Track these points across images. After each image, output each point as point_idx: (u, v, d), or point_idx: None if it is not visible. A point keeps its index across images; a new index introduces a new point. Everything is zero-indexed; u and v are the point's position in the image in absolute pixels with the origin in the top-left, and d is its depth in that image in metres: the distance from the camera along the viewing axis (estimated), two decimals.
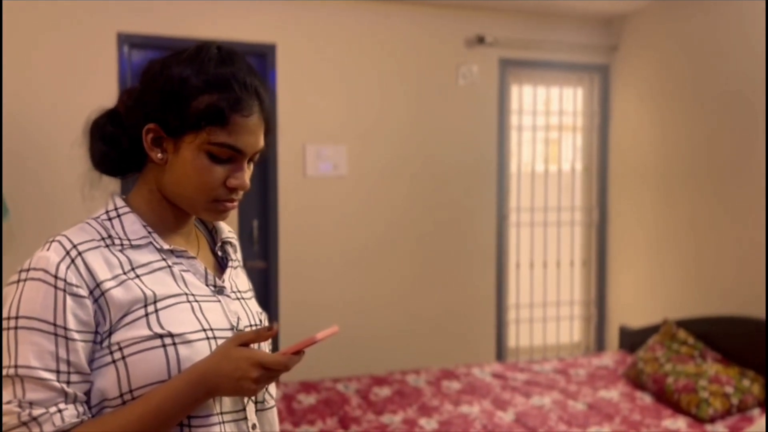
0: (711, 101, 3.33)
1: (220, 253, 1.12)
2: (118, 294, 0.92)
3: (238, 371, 0.90)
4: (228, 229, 1.16)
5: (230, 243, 1.14)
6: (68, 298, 0.89)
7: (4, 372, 0.88)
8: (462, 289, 3.86)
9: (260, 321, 1.09)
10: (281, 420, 2.69)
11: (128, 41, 3.19)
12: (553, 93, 4.15)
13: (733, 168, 3.19)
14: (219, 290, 1.03)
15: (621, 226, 4.02)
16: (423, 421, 2.69)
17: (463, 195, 3.84)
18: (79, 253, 0.92)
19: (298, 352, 0.94)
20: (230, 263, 1.11)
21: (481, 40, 3.76)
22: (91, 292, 0.91)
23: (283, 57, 3.45)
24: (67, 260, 0.91)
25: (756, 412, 2.72)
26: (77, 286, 0.90)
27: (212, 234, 1.15)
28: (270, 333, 0.95)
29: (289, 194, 3.50)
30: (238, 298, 1.06)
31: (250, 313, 1.07)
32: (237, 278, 1.10)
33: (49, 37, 3.08)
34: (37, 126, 3.04)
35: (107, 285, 0.92)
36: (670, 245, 3.60)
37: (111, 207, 1.01)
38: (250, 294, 1.13)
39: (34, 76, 3.05)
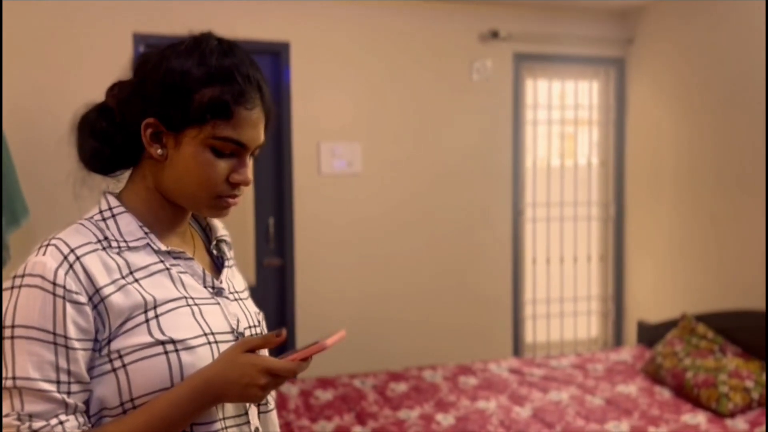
0: (728, 94, 3.28)
1: (215, 252, 1.09)
2: (117, 300, 0.88)
3: (245, 377, 0.88)
4: (222, 227, 1.13)
5: (225, 241, 1.11)
6: (68, 306, 0.86)
7: (2, 383, 0.84)
8: (478, 284, 3.85)
9: (258, 321, 1.06)
10: (299, 416, 2.71)
11: (144, 42, 3.22)
12: (568, 87, 4.12)
13: (751, 161, 3.15)
14: (217, 292, 1.00)
15: (638, 220, 3.99)
16: (440, 417, 2.70)
17: (478, 190, 3.83)
18: (77, 258, 0.88)
19: (306, 359, 0.92)
20: (226, 263, 1.07)
21: (495, 34, 3.74)
22: (90, 299, 0.87)
23: (296, 55, 3.46)
24: (66, 266, 0.87)
25: None
26: (77, 293, 0.86)
27: (206, 232, 1.11)
28: (278, 339, 0.92)
29: (304, 192, 3.52)
30: (236, 299, 1.03)
31: (248, 314, 1.04)
32: (233, 278, 1.08)
33: (64, 37, 3.11)
34: (53, 127, 3.07)
35: (107, 291, 0.88)
36: (687, 239, 3.57)
37: (105, 206, 0.97)
38: (247, 294, 1.10)
39: (50, 77, 3.09)
